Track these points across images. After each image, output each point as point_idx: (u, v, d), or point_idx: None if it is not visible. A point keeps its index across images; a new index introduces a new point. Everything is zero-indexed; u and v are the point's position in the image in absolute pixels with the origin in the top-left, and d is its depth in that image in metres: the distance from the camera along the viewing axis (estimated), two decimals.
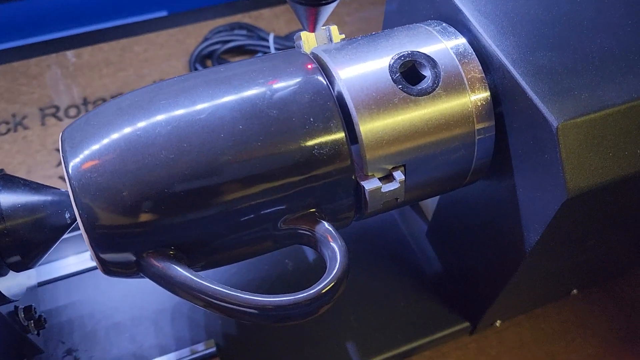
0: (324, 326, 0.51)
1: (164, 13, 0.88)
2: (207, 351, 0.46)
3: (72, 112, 0.73)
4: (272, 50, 0.76)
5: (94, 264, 0.52)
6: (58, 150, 0.68)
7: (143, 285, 0.50)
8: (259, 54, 0.78)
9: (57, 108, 0.73)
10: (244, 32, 0.80)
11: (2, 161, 0.67)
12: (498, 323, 0.55)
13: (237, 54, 0.79)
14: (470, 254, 0.49)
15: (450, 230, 0.52)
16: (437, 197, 0.51)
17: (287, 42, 0.77)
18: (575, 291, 0.56)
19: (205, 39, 0.79)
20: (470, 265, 0.50)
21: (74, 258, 0.53)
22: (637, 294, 0.58)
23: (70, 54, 0.79)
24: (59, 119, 0.72)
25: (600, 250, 0.46)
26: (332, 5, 0.31)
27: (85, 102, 0.74)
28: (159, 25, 0.84)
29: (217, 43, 0.78)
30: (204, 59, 0.78)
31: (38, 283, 0.50)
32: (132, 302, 0.50)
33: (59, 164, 0.67)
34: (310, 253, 0.54)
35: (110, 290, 0.51)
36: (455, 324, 0.52)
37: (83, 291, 0.51)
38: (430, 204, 0.55)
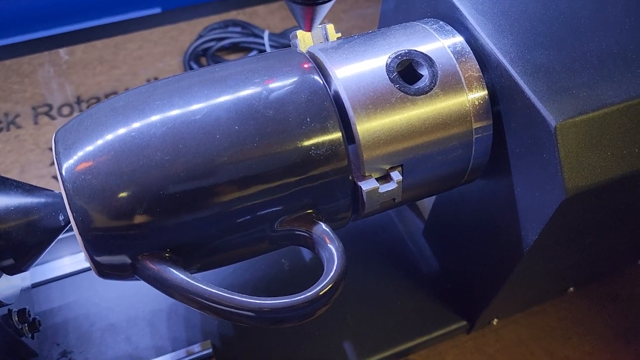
0: (320, 326, 0.51)
1: (157, 10, 0.88)
2: (204, 352, 0.46)
3: (66, 110, 0.72)
4: (267, 47, 0.76)
5: (88, 264, 0.52)
6: (51, 149, 0.67)
7: (138, 286, 0.50)
8: (254, 52, 0.78)
9: (50, 107, 0.72)
10: (238, 29, 0.80)
11: None
12: (495, 321, 0.55)
13: (232, 51, 0.79)
14: (467, 253, 0.49)
15: (447, 228, 0.52)
16: (434, 195, 0.51)
17: (282, 39, 0.77)
18: (572, 289, 0.56)
19: (200, 37, 0.79)
20: (468, 264, 0.50)
21: (68, 259, 0.52)
22: (634, 291, 0.58)
23: (63, 51, 0.78)
24: (52, 118, 0.71)
25: (598, 247, 0.46)
26: (329, 5, 0.30)
27: (78, 100, 0.73)
28: (152, 22, 0.83)
29: (211, 40, 0.77)
30: (198, 57, 0.77)
31: (32, 284, 0.50)
32: (128, 303, 0.50)
33: (53, 163, 0.67)
34: (306, 253, 0.54)
35: (105, 291, 0.51)
36: (452, 323, 0.52)
37: (78, 292, 0.51)
38: (427, 203, 0.55)
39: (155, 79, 0.76)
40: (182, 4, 0.86)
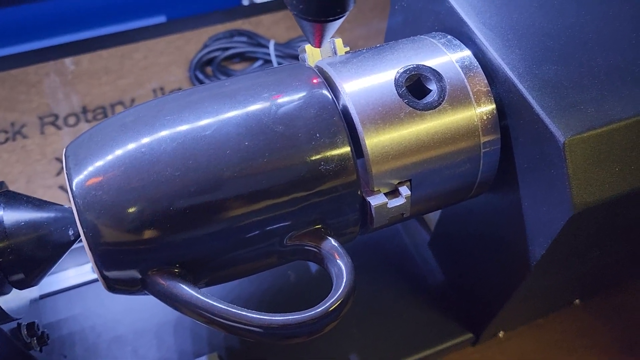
0: (326, 338, 0.50)
1: (162, 19, 0.88)
2: None
3: (72, 120, 0.72)
4: (273, 57, 0.76)
5: (95, 276, 0.52)
6: (58, 159, 0.68)
7: (145, 298, 0.49)
8: (260, 61, 0.78)
9: (56, 116, 0.72)
10: (243, 39, 0.80)
11: (2, 171, 0.66)
12: (501, 334, 0.54)
13: (238, 61, 0.79)
14: (473, 266, 0.49)
15: (453, 241, 0.52)
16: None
17: (288, 49, 0.77)
18: (577, 301, 0.56)
19: (205, 46, 0.79)
20: (474, 277, 0.50)
21: (74, 270, 0.52)
22: (639, 303, 0.58)
23: (69, 61, 0.79)
24: (58, 128, 0.71)
25: (605, 260, 0.46)
26: (339, 22, 0.30)
27: (84, 110, 0.73)
28: (158, 31, 0.83)
29: (217, 50, 0.78)
30: (204, 66, 0.78)
31: (39, 296, 0.50)
32: (135, 315, 0.50)
33: (59, 173, 0.67)
34: (312, 264, 0.54)
35: (112, 303, 0.51)
36: (458, 335, 0.52)
37: (84, 304, 0.51)
38: (433, 215, 0.55)
39: (161, 88, 0.76)
40: (187, 14, 0.86)
